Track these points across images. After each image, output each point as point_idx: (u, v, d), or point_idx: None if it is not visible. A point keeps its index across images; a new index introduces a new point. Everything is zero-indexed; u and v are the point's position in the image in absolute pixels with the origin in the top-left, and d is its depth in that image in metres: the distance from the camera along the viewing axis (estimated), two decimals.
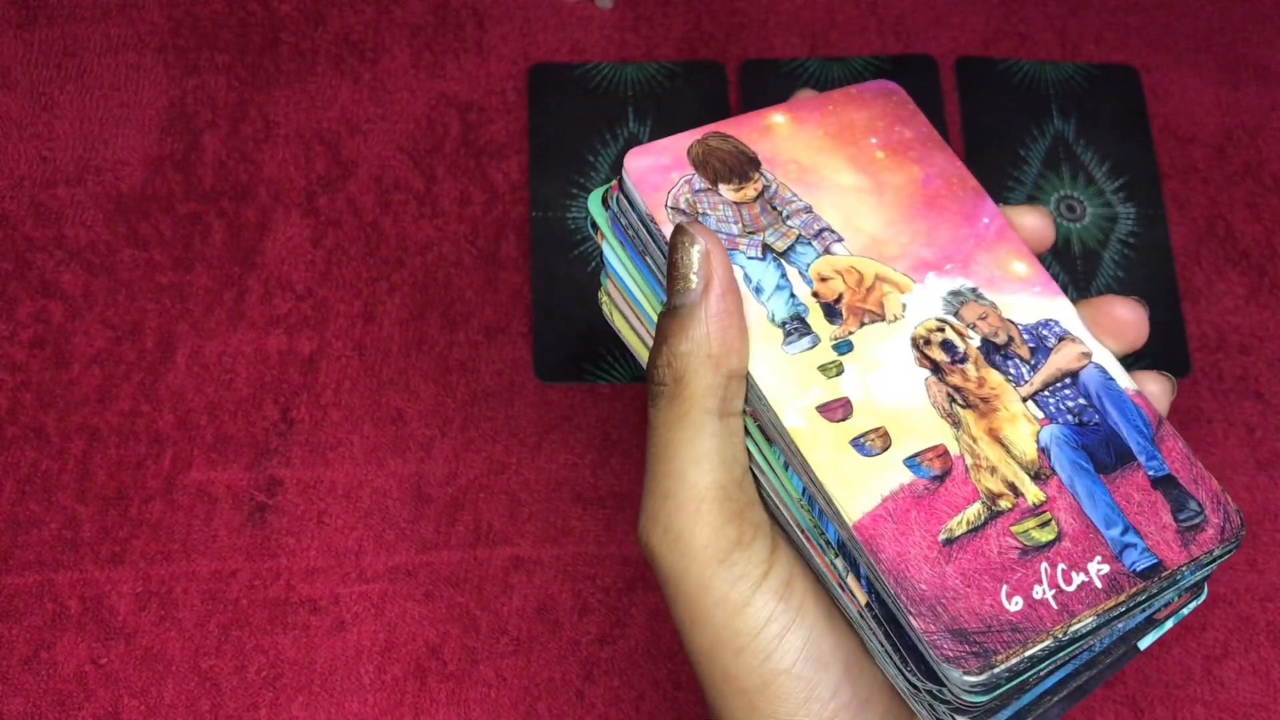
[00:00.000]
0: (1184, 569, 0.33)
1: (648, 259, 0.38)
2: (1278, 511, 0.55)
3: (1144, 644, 0.35)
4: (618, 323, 0.40)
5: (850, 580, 0.33)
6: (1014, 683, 0.32)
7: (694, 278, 0.35)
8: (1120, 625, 0.34)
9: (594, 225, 0.40)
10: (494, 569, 0.53)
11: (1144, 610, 0.34)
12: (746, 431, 0.35)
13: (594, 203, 0.39)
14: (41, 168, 0.59)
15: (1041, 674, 0.33)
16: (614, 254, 0.39)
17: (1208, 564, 0.34)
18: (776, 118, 0.40)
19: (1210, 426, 0.57)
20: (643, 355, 0.40)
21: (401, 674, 0.51)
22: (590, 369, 0.56)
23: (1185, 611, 0.36)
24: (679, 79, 0.63)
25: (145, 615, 0.51)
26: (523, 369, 0.56)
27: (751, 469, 0.36)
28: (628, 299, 0.39)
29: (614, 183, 0.39)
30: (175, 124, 0.60)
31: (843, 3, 0.66)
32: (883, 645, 0.33)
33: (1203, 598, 0.36)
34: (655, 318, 0.38)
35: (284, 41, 0.63)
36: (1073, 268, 0.60)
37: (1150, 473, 0.35)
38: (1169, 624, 0.36)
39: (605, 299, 0.41)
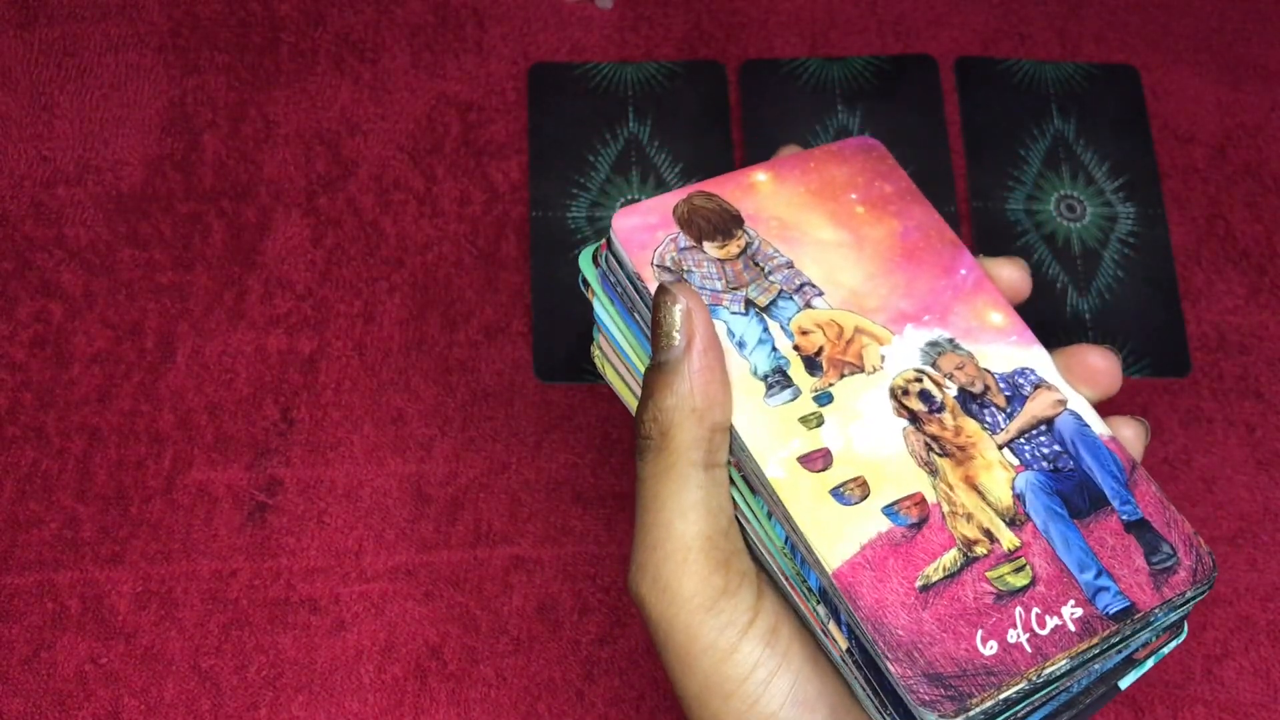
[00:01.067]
0: (1157, 611, 0.34)
1: (635, 315, 0.39)
2: (1278, 511, 0.55)
3: (1125, 683, 0.36)
4: (609, 375, 0.41)
5: (832, 626, 0.34)
6: None
7: (677, 335, 0.36)
8: (1097, 666, 0.34)
9: (585, 282, 0.41)
10: (494, 569, 0.53)
11: (1119, 651, 0.35)
12: (732, 481, 0.36)
13: (585, 260, 0.40)
14: (41, 167, 0.59)
15: (1019, 715, 0.33)
16: (604, 310, 0.40)
17: (1181, 605, 0.35)
18: (759, 176, 0.41)
19: (1210, 426, 0.57)
20: (633, 406, 0.41)
21: (402, 674, 0.51)
22: (590, 369, 0.56)
23: (1165, 651, 0.36)
24: (679, 79, 0.63)
25: (145, 615, 0.51)
26: (523, 369, 0.56)
27: (738, 518, 0.36)
28: (618, 353, 0.40)
29: (603, 241, 0.40)
30: (175, 124, 0.60)
31: (843, 3, 0.66)
32: (864, 689, 0.34)
33: (1183, 636, 0.37)
34: (644, 371, 0.39)
35: (284, 41, 0.63)
36: (1073, 267, 0.60)
37: (1124, 517, 0.36)
38: (1149, 663, 0.36)
39: (598, 353, 0.42)
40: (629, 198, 0.60)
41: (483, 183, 0.60)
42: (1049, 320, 0.58)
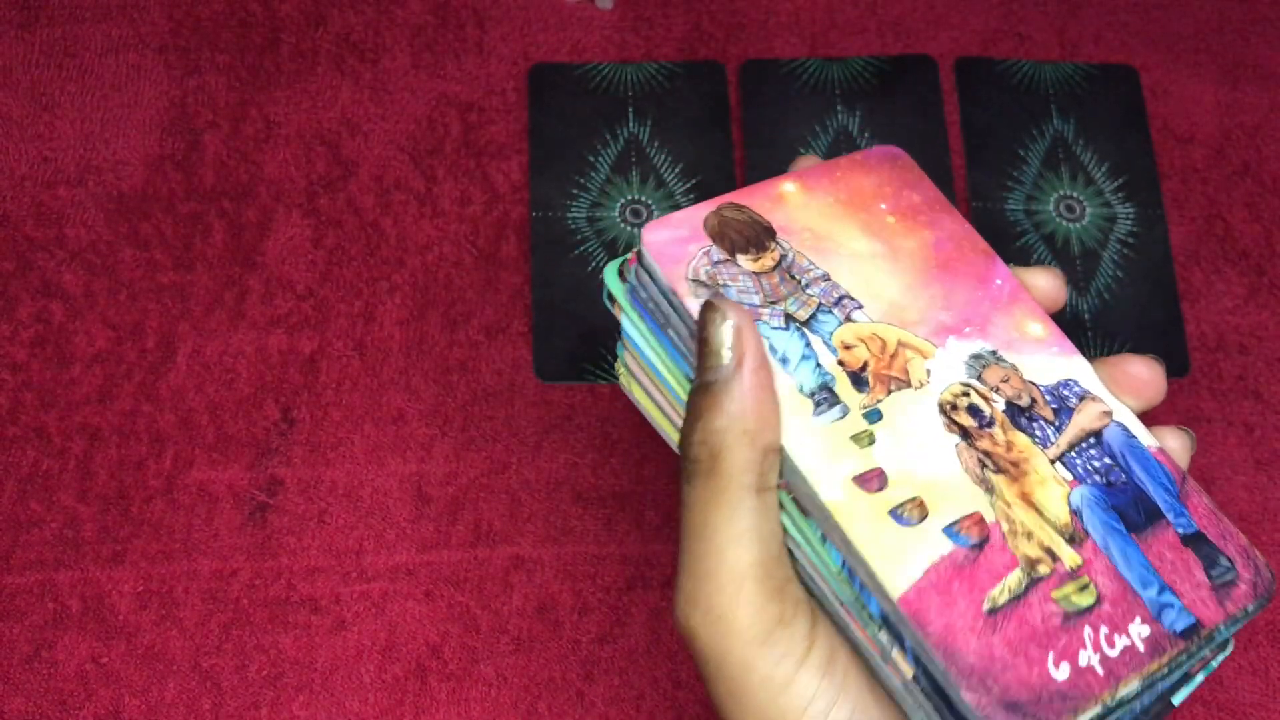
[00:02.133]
0: (1221, 627, 0.33)
1: (669, 331, 0.37)
2: (1277, 511, 0.55)
3: (1178, 699, 0.35)
4: (637, 394, 0.40)
5: (895, 654, 0.33)
6: None
7: (726, 353, 0.34)
8: (1161, 685, 0.33)
9: (610, 298, 0.39)
10: (494, 569, 0.53)
11: (1182, 669, 0.34)
12: (781, 505, 0.35)
13: (610, 275, 0.39)
14: (42, 168, 0.59)
15: None
16: (633, 326, 0.39)
17: (1241, 620, 0.34)
18: (787, 186, 0.40)
19: (1210, 426, 0.57)
20: (664, 426, 0.39)
21: (402, 673, 0.51)
22: (590, 369, 0.56)
23: (1215, 664, 0.36)
24: (679, 79, 0.63)
25: (146, 615, 0.51)
26: (523, 369, 0.56)
27: (786, 544, 0.35)
28: (648, 371, 0.39)
29: (631, 255, 0.38)
30: (176, 124, 0.60)
31: (843, 3, 0.66)
32: (930, 718, 0.33)
33: (1229, 650, 0.36)
34: (678, 389, 0.37)
35: (284, 41, 0.63)
36: (1072, 268, 0.60)
37: (1180, 530, 0.35)
38: (1200, 677, 0.35)
39: (623, 370, 0.40)
40: (629, 198, 0.60)
41: (483, 183, 0.60)
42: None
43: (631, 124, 0.62)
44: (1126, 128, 0.63)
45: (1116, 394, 0.37)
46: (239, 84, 0.62)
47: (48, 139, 0.60)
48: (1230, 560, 0.34)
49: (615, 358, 0.56)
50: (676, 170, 0.61)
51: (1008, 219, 0.61)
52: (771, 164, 0.61)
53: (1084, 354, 0.57)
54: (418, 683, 0.51)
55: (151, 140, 0.60)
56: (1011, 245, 0.60)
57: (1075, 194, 0.61)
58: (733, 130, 0.62)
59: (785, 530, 0.35)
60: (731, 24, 0.65)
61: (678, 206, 0.60)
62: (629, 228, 0.59)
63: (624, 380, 0.40)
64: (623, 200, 0.60)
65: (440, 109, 0.62)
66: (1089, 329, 0.58)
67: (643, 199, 0.60)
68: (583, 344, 0.57)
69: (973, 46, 0.65)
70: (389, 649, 0.51)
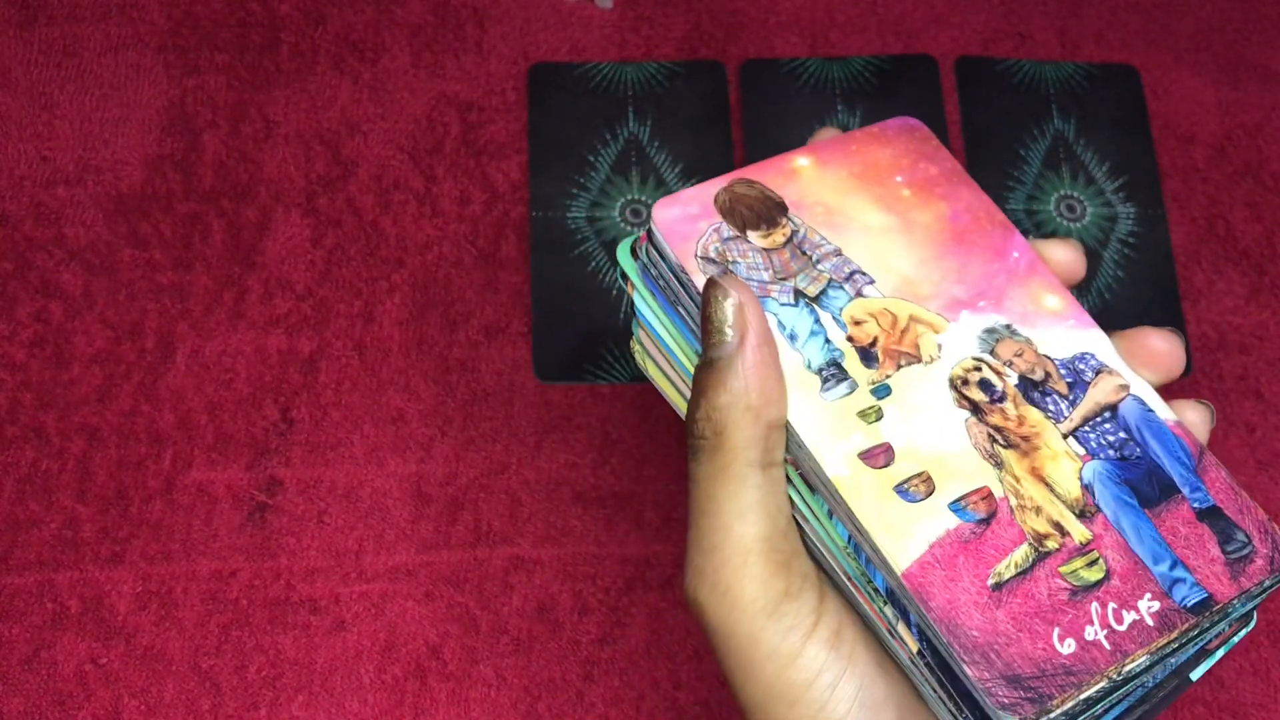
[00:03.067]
0: (1234, 602, 0.33)
1: (680, 309, 0.37)
2: (1278, 511, 0.55)
3: (1196, 675, 0.35)
4: (651, 372, 0.40)
5: (900, 628, 0.33)
6: None
7: (729, 330, 0.35)
8: (1173, 660, 0.33)
9: (624, 276, 0.39)
10: (494, 569, 0.53)
11: (1196, 644, 0.33)
12: (789, 480, 0.35)
13: (623, 254, 0.39)
14: (41, 167, 0.59)
15: (1097, 714, 0.32)
16: (645, 304, 0.39)
17: (1258, 595, 0.34)
18: (801, 160, 0.40)
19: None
20: (678, 403, 0.39)
21: (401, 674, 0.51)
22: (590, 369, 0.56)
23: (1235, 640, 0.35)
24: (679, 79, 0.63)
25: (145, 615, 0.51)
26: (523, 369, 0.56)
27: (795, 518, 0.35)
28: (661, 349, 0.39)
29: (643, 233, 0.38)
30: (175, 124, 0.60)
31: (843, 3, 0.66)
32: (936, 692, 0.33)
33: (1252, 625, 0.36)
34: (689, 366, 0.38)
35: (284, 41, 0.63)
36: None
37: (1195, 505, 0.34)
38: (1220, 653, 0.35)
39: (638, 348, 0.40)
40: (629, 198, 0.60)
41: (483, 183, 0.60)
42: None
43: (631, 124, 0.61)
44: (1127, 127, 0.63)
45: (1134, 367, 0.37)
46: (238, 84, 0.62)
47: (47, 138, 0.60)
48: (1247, 535, 0.34)
49: (615, 356, 0.56)
50: (676, 170, 0.60)
51: (1009, 218, 0.61)
52: None
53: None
54: (417, 683, 0.51)
55: (150, 140, 0.60)
56: None
57: (1076, 194, 0.61)
58: (733, 130, 0.62)
59: (793, 505, 0.35)
60: (731, 23, 0.65)
61: None
62: (629, 228, 0.59)
63: (639, 358, 0.40)
64: (623, 200, 0.60)
65: (440, 108, 0.62)
66: None
67: (643, 199, 0.60)
68: (582, 344, 0.57)
69: (973, 46, 0.65)
70: (388, 649, 0.51)
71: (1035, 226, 0.60)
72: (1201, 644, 0.34)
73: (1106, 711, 0.33)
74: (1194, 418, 0.36)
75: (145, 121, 0.60)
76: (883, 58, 0.64)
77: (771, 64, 0.63)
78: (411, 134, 0.61)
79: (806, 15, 0.65)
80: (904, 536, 0.33)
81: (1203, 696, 0.52)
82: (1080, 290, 0.59)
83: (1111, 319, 0.58)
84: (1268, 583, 0.33)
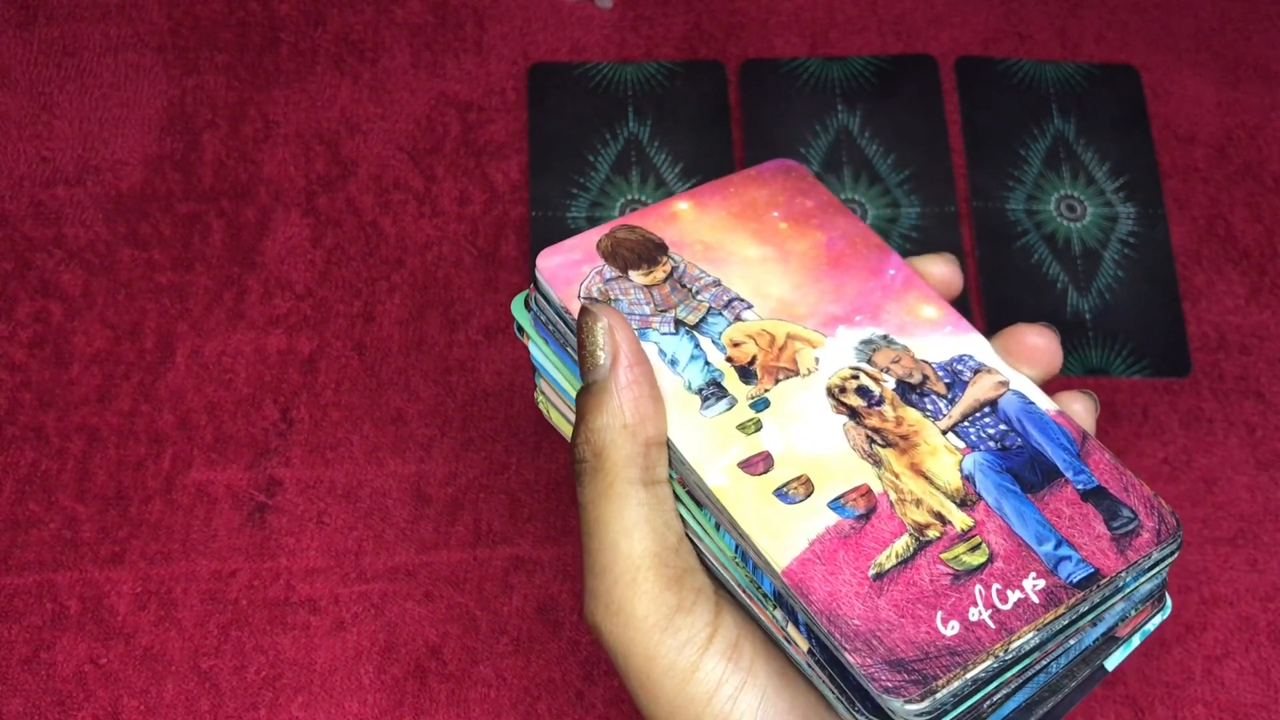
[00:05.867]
0: (1123, 574, 0.34)
1: (568, 350, 0.39)
2: (1278, 512, 0.55)
3: (1111, 664, 0.35)
4: (554, 419, 0.42)
5: (791, 629, 0.34)
6: (963, 708, 0.32)
7: (601, 354, 0.36)
8: (1073, 643, 0.34)
9: (520, 329, 0.41)
10: (494, 569, 0.53)
11: (1094, 624, 0.34)
12: (678, 498, 0.36)
13: (517, 307, 0.41)
14: (41, 168, 0.59)
15: (995, 698, 0.33)
16: (540, 352, 0.40)
17: (1150, 568, 0.34)
18: (681, 205, 0.42)
19: (1210, 426, 0.57)
20: None
21: (401, 674, 0.51)
22: None
23: (1150, 627, 0.36)
24: (679, 79, 0.63)
25: (145, 615, 0.51)
26: (523, 369, 0.56)
27: (689, 535, 0.36)
28: (558, 393, 0.40)
29: (531, 285, 0.40)
30: (175, 124, 0.60)
31: (843, 2, 0.66)
32: (831, 689, 0.33)
33: (1166, 611, 0.36)
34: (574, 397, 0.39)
35: (284, 41, 0.63)
36: (1073, 267, 0.60)
37: (1079, 486, 0.36)
38: (1135, 641, 0.36)
39: (541, 398, 0.42)
40: (629, 198, 0.60)
41: (482, 183, 0.60)
42: (1049, 320, 0.58)
43: (631, 123, 0.61)
44: (1127, 127, 0.63)
45: (1014, 364, 0.38)
46: (238, 84, 0.61)
47: (46, 138, 0.60)
48: (1133, 510, 0.35)
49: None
50: (676, 170, 0.60)
51: (1009, 218, 0.61)
52: None
53: (1083, 353, 0.57)
54: (417, 684, 0.51)
55: (150, 140, 0.60)
56: (1012, 245, 0.60)
57: (1076, 194, 0.61)
58: (733, 130, 0.62)
59: (685, 523, 0.36)
60: (731, 23, 0.65)
61: None
62: None
63: (543, 407, 0.42)
64: (622, 200, 0.60)
65: (439, 108, 0.62)
66: (1090, 329, 0.58)
67: (643, 199, 0.60)
68: None
69: (973, 46, 0.65)
70: (388, 650, 0.51)
71: (1036, 226, 0.60)
72: (1104, 626, 0.35)
73: (1008, 696, 0.33)
74: (1078, 407, 0.38)
75: (145, 121, 0.60)
76: (883, 58, 0.64)
77: (771, 64, 0.63)
78: (411, 134, 0.61)
79: (806, 15, 0.65)
80: (784, 536, 0.34)
81: (1203, 696, 0.52)
82: (1081, 290, 0.59)
83: (1112, 319, 0.58)
84: (1156, 555, 0.34)
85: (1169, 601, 0.37)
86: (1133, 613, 0.35)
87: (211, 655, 0.51)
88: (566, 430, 0.41)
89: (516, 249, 0.59)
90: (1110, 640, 0.35)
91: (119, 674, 0.50)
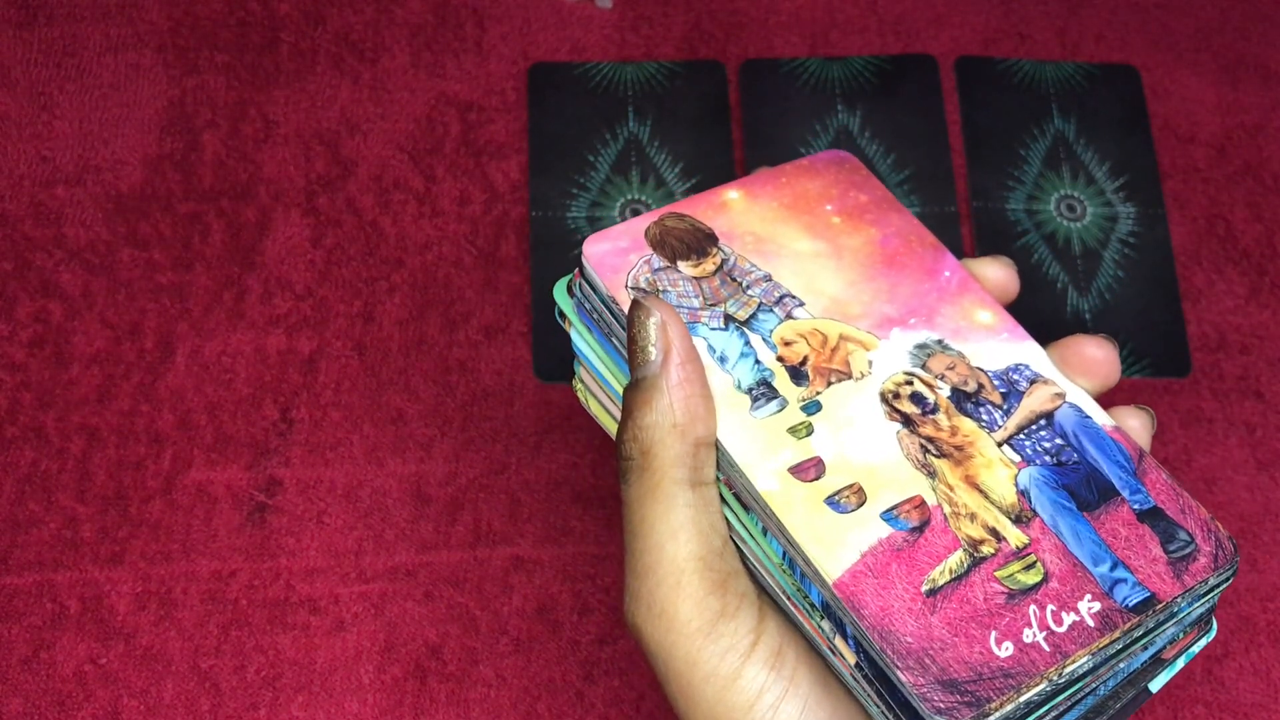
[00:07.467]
0: (1179, 600, 0.33)
1: (613, 340, 0.38)
2: (1278, 511, 0.55)
3: (1155, 686, 0.35)
4: (593, 408, 0.41)
5: (838, 641, 0.33)
6: None
7: (653, 349, 0.35)
8: (1122, 665, 0.33)
9: (561, 314, 0.40)
10: (494, 569, 0.53)
11: (1145, 648, 0.33)
12: (724, 500, 0.35)
13: (559, 292, 0.40)
14: (41, 167, 0.59)
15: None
16: (582, 340, 0.39)
17: (1205, 594, 0.34)
18: (731, 194, 0.41)
19: (1210, 426, 0.57)
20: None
21: (401, 674, 0.51)
22: None
23: (1195, 649, 0.35)
24: (679, 79, 0.63)
25: (145, 615, 0.51)
26: (523, 369, 0.56)
27: (733, 539, 0.35)
28: (599, 383, 0.39)
29: (576, 271, 0.39)
30: (175, 124, 0.60)
31: (843, 2, 0.66)
32: (878, 705, 0.33)
33: (1212, 633, 0.35)
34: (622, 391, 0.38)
35: (284, 41, 0.63)
36: (1073, 268, 0.60)
37: (1135, 506, 0.35)
38: (1180, 663, 0.35)
39: (580, 386, 0.41)
40: (629, 198, 0.60)
41: (483, 183, 0.60)
42: (1049, 320, 0.58)
43: (631, 123, 0.61)
44: (1127, 127, 0.63)
45: (1070, 376, 0.37)
46: (238, 83, 0.61)
47: (46, 138, 0.60)
48: (1190, 534, 0.34)
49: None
50: (676, 170, 0.60)
51: (1009, 218, 0.61)
52: (771, 163, 0.61)
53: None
54: (417, 684, 0.51)
55: (150, 140, 0.60)
56: (1012, 245, 0.60)
57: (1076, 193, 0.61)
58: (733, 130, 0.62)
59: (730, 525, 0.35)
60: (731, 23, 0.65)
61: None
62: None
63: (581, 395, 0.41)
64: (622, 200, 0.60)
65: (439, 108, 0.62)
66: (1090, 329, 0.58)
67: (643, 199, 0.60)
68: None
69: (973, 46, 0.65)
70: (388, 650, 0.51)
71: (1036, 226, 0.60)
72: (1154, 650, 0.34)
73: (1056, 718, 0.33)
74: (1134, 423, 0.37)
75: (145, 121, 0.60)
76: (883, 58, 0.64)
77: (771, 64, 0.63)
78: (411, 134, 0.61)
79: (806, 15, 0.65)
80: (835, 547, 0.33)
81: (1203, 696, 0.52)
82: (1081, 290, 0.59)
83: (1112, 319, 0.58)
84: (1212, 580, 0.33)
85: (1214, 624, 0.36)
86: (1180, 635, 0.34)
87: (211, 655, 0.51)
88: (605, 420, 0.40)
89: (516, 249, 0.59)
90: (1157, 662, 0.34)
91: (119, 674, 0.50)
